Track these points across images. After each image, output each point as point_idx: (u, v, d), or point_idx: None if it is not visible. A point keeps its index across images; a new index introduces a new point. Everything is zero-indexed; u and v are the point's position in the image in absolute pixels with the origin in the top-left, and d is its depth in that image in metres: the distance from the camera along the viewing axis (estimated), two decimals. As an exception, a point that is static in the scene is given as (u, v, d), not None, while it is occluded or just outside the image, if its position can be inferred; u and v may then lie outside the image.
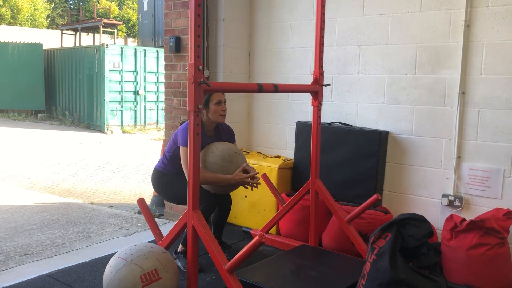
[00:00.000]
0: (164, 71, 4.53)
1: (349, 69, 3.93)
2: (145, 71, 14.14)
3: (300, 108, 4.25)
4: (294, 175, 4.13)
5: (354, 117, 3.92)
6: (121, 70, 13.56)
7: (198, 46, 2.40)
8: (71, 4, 31.99)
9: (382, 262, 2.26)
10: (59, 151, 9.85)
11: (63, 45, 18.89)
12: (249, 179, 3.15)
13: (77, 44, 19.32)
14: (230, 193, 3.53)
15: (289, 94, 4.28)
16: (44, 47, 16.77)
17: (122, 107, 13.75)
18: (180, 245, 3.35)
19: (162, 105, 13.97)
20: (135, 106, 14.08)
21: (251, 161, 4.08)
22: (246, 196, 4.14)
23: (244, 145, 4.58)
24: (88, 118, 14.41)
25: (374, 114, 3.80)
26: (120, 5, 32.09)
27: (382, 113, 3.76)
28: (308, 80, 3.99)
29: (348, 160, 3.73)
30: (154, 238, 3.00)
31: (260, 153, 4.37)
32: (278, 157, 4.25)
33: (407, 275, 2.19)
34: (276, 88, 2.94)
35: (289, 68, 4.30)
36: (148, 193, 6.04)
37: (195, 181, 2.54)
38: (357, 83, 3.89)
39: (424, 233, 2.33)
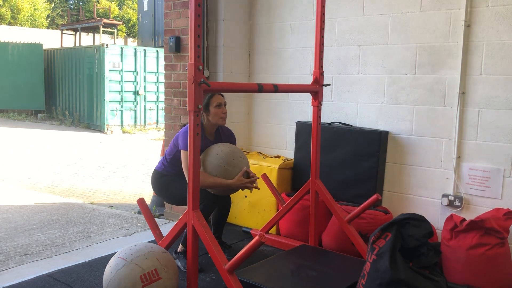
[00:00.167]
0: (164, 71, 4.53)
1: (349, 69, 3.93)
2: (145, 71, 14.14)
3: (300, 108, 4.25)
4: (294, 175, 4.13)
5: (354, 117, 3.92)
6: (121, 70, 13.56)
7: (198, 46, 2.40)
8: (71, 4, 31.99)
9: (382, 262, 2.26)
10: (59, 151, 9.85)
11: (63, 45, 18.89)
12: (249, 182, 3.16)
13: (77, 44, 19.33)
14: (229, 193, 3.54)
15: (289, 94, 4.29)
16: (44, 47, 16.77)
17: (122, 107, 13.75)
18: (180, 245, 3.35)
19: (162, 105, 13.97)
20: (135, 106, 14.08)
21: (251, 161, 4.08)
22: (246, 196, 4.14)
23: (244, 145, 4.58)
24: (88, 118, 14.41)
25: (374, 114, 3.80)
26: (120, 5, 32.09)
27: (382, 113, 3.76)
28: (308, 80, 3.99)
29: (348, 160, 3.73)
30: (154, 238, 3.00)
31: (260, 153, 4.37)
32: (278, 157, 4.25)
33: (407, 275, 2.19)
34: (276, 88, 2.94)
35: (289, 68, 4.30)
36: (148, 193, 6.04)
37: (195, 181, 2.54)
38: (357, 83, 3.89)
39: (424, 233, 2.33)
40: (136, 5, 23.73)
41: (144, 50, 14.14)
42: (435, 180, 3.51)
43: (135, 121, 14.14)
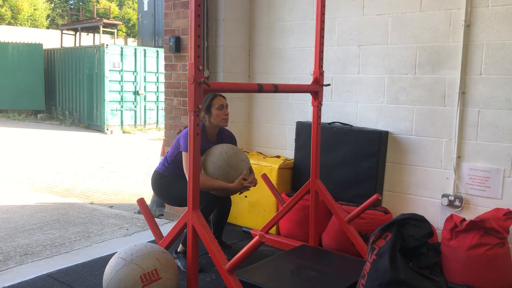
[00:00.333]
0: (164, 71, 4.53)
1: (349, 69, 3.93)
2: (145, 71, 14.14)
3: (300, 108, 4.26)
4: (294, 175, 4.13)
5: (354, 117, 3.92)
6: (121, 70, 13.56)
7: (198, 46, 2.40)
8: (71, 4, 31.99)
9: (382, 262, 2.26)
10: (59, 151, 9.85)
11: (63, 45, 18.89)
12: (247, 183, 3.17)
13: (77, 44, 19.33)
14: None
15: (289, 94, 4.29)
16: (44, 47, 16.77)
17: (122, 107, 13.75)
18: (180, 245, 3.35)
19: (162, 105, 13.97)
20: (135, 106, 14.08)
21: (251, 161, 4.08)
22: (246, 196, 4.14)
23: (244, 145, 4.58)
24: (88, 118, 14.41)
25: (374, 114, 3.80)
26: (120, 5, 32.09)
27: (382, 113, 3.76)
28: (308, 80, 3.99)
29: (348, 160, 3.73)
30: (154, 238, 3.00)
31: (260, 153, 4.37)
32: (278, 157, 4.25)
33: (407, 275, 2.19)
34: (276, 88, 2.94)
35: (289, 68, 4.30)
36: (148, 193, 6.04)
37: (195, 181, 2.54)
38: (357, 83, 3.89)
39: (424, 233, 2.33)
40: (136, 5, 23.73)
41: (144, 50, 14.14)
42: (435, 180, 3.51)
43: (135, 121, 14.14)
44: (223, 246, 3.62)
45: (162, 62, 13.14)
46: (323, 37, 3.32)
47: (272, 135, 4.48)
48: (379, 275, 2.25)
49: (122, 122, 13.81)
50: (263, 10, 4.44)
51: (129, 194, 6.27)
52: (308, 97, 3.70)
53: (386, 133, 3.68)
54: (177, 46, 4.30)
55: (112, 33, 21.41)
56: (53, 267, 3.32)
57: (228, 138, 3.50)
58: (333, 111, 4.03)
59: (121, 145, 11.25)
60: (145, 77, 14.17)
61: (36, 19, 26.48)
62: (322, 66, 3.34)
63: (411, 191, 3.64)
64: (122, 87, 13.66)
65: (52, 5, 29.36)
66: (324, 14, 3.30)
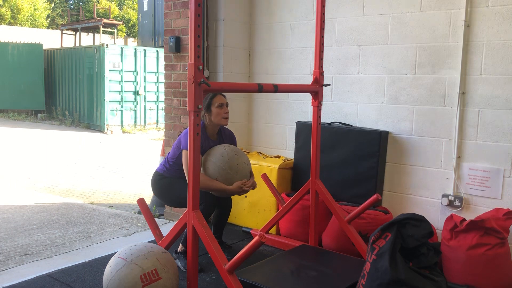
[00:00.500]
0: (164, 71, 4.53)
1: (349, 69, 3.93)
2: (145, 71, 14.14)
3: (300, 108, 4.26)
4: (294, 175, 4.13)
5: (354, 117, 3.92)
6: (121, 70, 13.56)
7: (198, 46, 2.40)
8: (71, 4, 31.99)
9: (382, 262, 2.26)
10: (59, 151, 9.85)
11: (63, 45, 18.89)
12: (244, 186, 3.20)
13: (77, 44, 19.33)
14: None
15: (289, 94, 4.29)
16: (44, 47, 16.77)
17: (122, 107, 13.75)
18: (180, 245, 3.35)
19: (162, 105, 13.97)
20: (135, 106, 14.08)
21: (251, 161, 4.08)
22: (246, 196, 4.14)
23: (244, 145, 4.58)
24: (88, 118, 14.41)
25: (374, 114, 3.80)
26: (120, 5, 32.10)
27: (382, 113, 3.76)
28: (308, 80, 3.99)
29: (348, 160, 3.73)
30: (154, 238, 3.00)
31: (260, 153, 4.37)
32: (278, 157, 4.25)
33: (407, 275, 2.19)
34: (276, 88, 2.95)
35: (289, 68, 4.30)
36: (148, 193, 6.04)
37: (195, 181, 2.54)
38: (357, 83, 3.89)
39: (424, 233, 2.33)
40: (136, 5, 23.75)
41: (144, 50, 14.14)
42: (435, 180, 3.51)
43: (135, 121, 14.14)
44: (223, 246, 3.62)
45: (162, 62, 13.14)
46: (323, 37, 3.32)
47: (272, 135, 4.48)
48: (379, 275, 2.25)
49: (122, 122, 13.80)
50: (263, 10, 4.44)
51: (129, 194, 6.27)
52: (308, 97, 3.70)
53: (386, 133, 3.68)
54: (177, 46, 4.30)
55: (112, 33, 21.41)
56: (53, 267, 3.32)
57: (228, 137, 3.50)
58: (333, 111, 4.03)
59: (121, 145, 11.25)
60: (145, 77, 14.17)
61: (36, 19, 26.49)
62: (322, 66, 3.34)
63: (411, 191, 3.64)
64: (122, 87, 13.66)
65: (52, 5, 29.37)
66: (324, 14, 3.30)
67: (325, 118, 4.00)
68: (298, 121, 4.13)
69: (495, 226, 2.88)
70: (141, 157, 9.54)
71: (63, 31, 20.23)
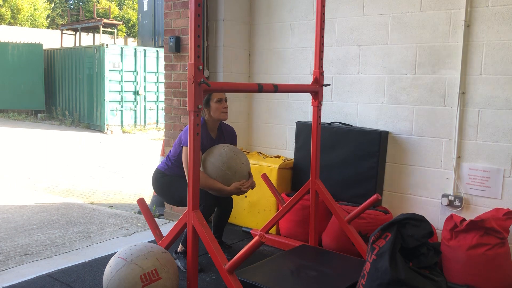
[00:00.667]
0: (164, 71, 4.53)
1: (349, 69, 3.93)
2: (145, 71, 14.14)
3: (300, 108, 4.26)
4: (294, 175, 4.13)
5: (354, 117, 3.92)
6: (121, 70, 13.56)
7: (198, 46, 2.40)
8: (71, 4, 31.99)
9: (382, 262, 2.26)
10: (59, 151, 9.85)
11: (63, 45, 18.89)
12: (241, 187, 3.20)
13: (77, 44, 19.33)
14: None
15: (289, 94, 4.29)
16: (44, 47, 16.77)
17: (122, 107, 13.74)
18: (180, 245, 3.35)
19: (162, 105, 13.97)
20: (135, 106, 14.08)
21: (251, 161, 4.08)
22: (246, 196, 4.14)
23: (244, 145, 4.58)
24: (88, 118, 14.41)
25: (374, 114, 3.80)
26: (120, 5, 32.09)
27: (382, 113, 3.76)
28: (308, 80, 3.99)
29: (348, 160, 3.73)
30: (154, 238, 3.00)
31: (260, 153, 4.37)
32: (278, 157, 4.25)
33: (407, 275, 2.19)
34: (276, 88, 2.94)
35: (289, 68, 4.30)
36: (148, 193, 6.04)
37: (195, 181, 2.54)
38: (357, 83, 3.89)
39: (424, 233, 2.33)
40: (136, 5, 23.75)
41: (144, 50, 14.14)
42: (435, 180, 3.51)
43: (135, 121, 14.14)
44: (223, 246, 3.62)
45: (162, 62, 13.13)
46: (323, 37, 3.32)
47: (272, 135, 4.48)
48: (379, 275, 2.25)
49: (122, 122, 13.80)
50: (263, 10, 4.44)
51: (129, 194, 6.26)
52: (308, 97, 3.70)
53: (386, 133, 3.68)
54: (177, 46, 4.30)
55: (112, 33, 21.41)
56: (53, 267, 3.32)
57: (229, 133, 3.50)
58: (333, 111, 4.03)
59: (121, 145, 11.25)
60: (145, 77, 14.17)
61: (36, 19, 26.48)
62: (322, 66, 3.34)
63: (411, 191, 3.64)
64: (122, 87, 13.65)
65: (52, 5, 29.36)
66: (324, 14, 3.30)
67: (325, 118, 4.00)
68: (298, 121, 4.13)
69: (495, 226, 2.88)
70: (141, 157, 9.54)
71: (63, 31, 20.23)
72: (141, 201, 3.04)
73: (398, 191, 3.70)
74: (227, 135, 3.47)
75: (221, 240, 3.66)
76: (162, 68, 12.86)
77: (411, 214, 2.39)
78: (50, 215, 4.74)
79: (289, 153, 4.30)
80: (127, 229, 4.29)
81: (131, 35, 27.86)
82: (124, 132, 13.68)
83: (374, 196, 3.13)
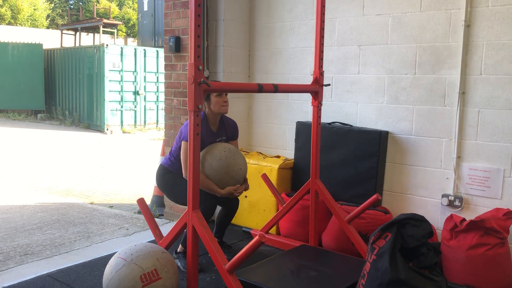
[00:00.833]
0: (164, 71, 4.53)
1: (349, 69, 3.93)
2: (145, 71, 14.14)
3: (300, 108, 4.26)
4: (294, 175, 4.13)
5: (354, 117, 3.92)
6: (121, 70, 13.56)
7: (198, 46, 2.40)
8: (71, 4, 31.99)
9: (382, 262, 2.26)
10: (59, 151, 9.85)
11: (63, 45, 18.89)
12: (234, 192, 3.22)
13: (77, 44, 19.33)
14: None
15: (289, 94, 4.29)
16: (44, 47, 16.77)
17: (122, 107, 13.74)
18: (180, 245, 3.35)
19: (162, 105, 13.97)
20: (135, 106, 14.07)
21: (251, 161, 4.09)
22: (246, 196, 4.14)
23: (244, 145, 4.58)
24: (88, 118, 14.41)
25: (374, 114, 3.80)
26: (120, 5, 32.09)
27: (382, 113, 3.76)
28: (308, 80, 3.99)
29: (348, 160, 3.73)
30: (154, 238, 3.00)
31: (260, 153, 4.37)
32: (278, 157, 4.25)
33: (407, 275, 2.19)
34: (276, 88, 2.95)
35: (289, 68, 4.30)
36: (148, 193, 6.03)
37: (195, 181, 2.54)
38: (357, 83, 3.89)
39: (424, 233, 2.33)
40: (136, 5, 23.75)
41: (144, 50, 14.14)
42: (435, 180, 3.51)
43: (135, 121, 14.14)
44: (223, 246, 3.62)
45: (162, 62, 13.13)
46: (323, 37, 3.32)
47: (272, 135, 4.48)
48: (379, 275, 2.25)
49: (122, 122, 13.80)
50: (263, 10, 4.44)
51: (129, 194, 6.26)
52: (308, 97, 3.70)
53: (386, 133, 3.68)
54: (177, 46, 4.30)
55: (112, 33, 21.41)
56: (53, 267, 3.32)
57: (230, 126, 3.50)
58: (333, 111, 4.03)
59: (121, 145, 11.25)
60: (145, 77, 14.17)
61: (36, 19, 26.48)
62: (322, 66, 3.34)
63: (411, 191, 3.64)
64: (122, 87, 13.65)
65: (52, 5, 29.36)
66: (324, 14, 3.30)
67: (325, 118, 4.00)
68: (298, 121, 4.13)
69: (495, 226, 2.88)
70: (141, 157, 9.54)
71: (63, 31, 20.23)
72: (141, 201, 3.04)
73: (398, 191, 3.70)
74: (228, 128, 3.47)
75: (222, 240, 3.66)
76: (162, 68, 12.86)
77: (411, 214, 2.39)
78: (50, 215, 4.74)
79: (289, 153, 4.30)
80: (127, 229, 4.29)
81: (131, 35, 27.86)
82: (124, 132, 13.68)
83: (374, 196, 3.13)
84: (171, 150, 3.42)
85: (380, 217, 3.43)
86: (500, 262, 2.88)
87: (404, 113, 3.64)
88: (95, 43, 19.05)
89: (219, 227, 3.61)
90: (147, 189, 6.40)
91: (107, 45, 13.34)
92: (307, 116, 4.18)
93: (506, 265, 2.92)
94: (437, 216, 3.50)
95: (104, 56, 13.15)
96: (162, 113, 14.15)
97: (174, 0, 4.35)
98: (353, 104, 3.92)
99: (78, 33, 19.71)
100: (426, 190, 3.56)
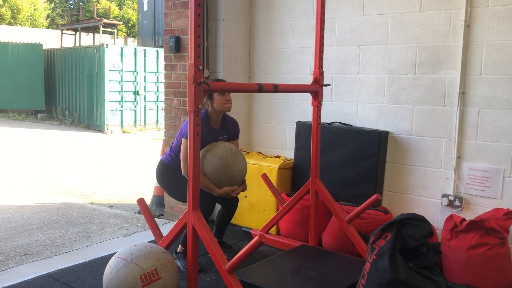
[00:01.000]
0: (164, 71, 4.53)
1: (349, 69, 3.93)
2: (145, 71, 14.14)
3: (300, 108, 4.26)
4: (294, 175, 4.13)
5: (354, 117, 3.92)
6: (121, 70, 13.56)
7: (198, 46, 2.40)
8: (71, 4, 31.99)
9: (382, 262, 2.26)
10: (59, 151, 9.85)
11: (63, 45, 18.89)
12: (231, 192, 3.23)
13: (77, 44, 19.32)
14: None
15: (289, 94, 4.29)
16: (44, 47, 16.77)
17: (122, 107, 13.74)
18: (180, 245, 3.35)
19: (162, 105, 13.97)
20: (135, 106, 14.08)
21: (251, 161, 4.08)
22: (246, 196, 4.14)
23: (244, 145, 4.58)
24: (88, 118, 14.41)
25: (374, 114, 3.80)
26: (120, 5, 32.09)
27: (382, 113, 3.76)
28: (308, 80, 3.99)
29: (348, 160, 3.73)
30: (154, 238, 3.00)
31: (260, 153, 4.37)
32: (278, 157, 4.25)
33: (407, 275, 2.19)
34: (276, 88, 2.95)
35: (289, 68, 4.30)
36: (148, 193, 6.03)
37: (195, 181, 2.54)
38: (357, 83, 3.89)
39: (424, 233, 2.33)
40: (136, 5, 23.75)
41: (144, 50, 14.14)
42: (435, 180, 3.51)
43: (135, 121, 14.14)
44: (223, 246, 3.62)
45: (162, 62, 13.12)
46: (323, 37, 3.32)
47: (272, 135, 4.48)
48: (379, 275, 2.25)
49: (122, 122, 13.80)
50: (263, 10, 4.44)
51: (129, 194, 6.26)
52: (308, 97, 3.70)
53: (386, 133, 3.68)
54: (177, 46, 4.30)
55: (112, 33, 21.41)
56: (53, 267, 3.32)
57: (232, 125, 3.51)
58: (333, 111, 4.03)
59: (121, 145, 11.25)
60: (145, 77, 14.17)
61: (36, 19, 26.48)
62: (322, 66, 3.34)
63: (411, 191, 3.64)
64: (122, 87, 13.65)
65: (52, 5, 29.36)
66: (324, 14, 3.30)
67: (325, 118, 4.00)
68: (298, 121, 4.13)
69: (495, 226, 2.88)
70: (141, 157, 9.54)
71: (63, 31, 20.23)
72: (141, 201, 3.04)
73: (398, 191, 3.70)
74: (230, 127, 3.49)
75: (222, 240, 3.66)
76: (162, 68, 12.86)
77: (411, 214, 2.39)
78: (50, 215, 4.74)
79: (289, 153, 4.30)
80: (127, 229, 4.29)
81: (131, 35, 27.86)
82: (124, 132, 13.68)
83: (374, 196, 3.13)
84: (172, 146, 3.42)
85: (380, 217, 3.43)
86: (500, 262, 2.88)
87: (404, 113, 3.64)
88: (95, 43, 19.05)
89: (219, 226, 3.61)
90: (147, 189, 6.40)
91: (107, 45, 13.34)
92: (307, 116, 4.18)
93: (506, 265, 2.92)
94: (437, 216, 3.50)
95: (104, 56, 13.15)
96: (162, 113, 14.15)
97: (174, 0, 4.35)
98: (353, 104, 3.92)
99: (78, 33, 19.71)
100: (426, 190, 3.56)
